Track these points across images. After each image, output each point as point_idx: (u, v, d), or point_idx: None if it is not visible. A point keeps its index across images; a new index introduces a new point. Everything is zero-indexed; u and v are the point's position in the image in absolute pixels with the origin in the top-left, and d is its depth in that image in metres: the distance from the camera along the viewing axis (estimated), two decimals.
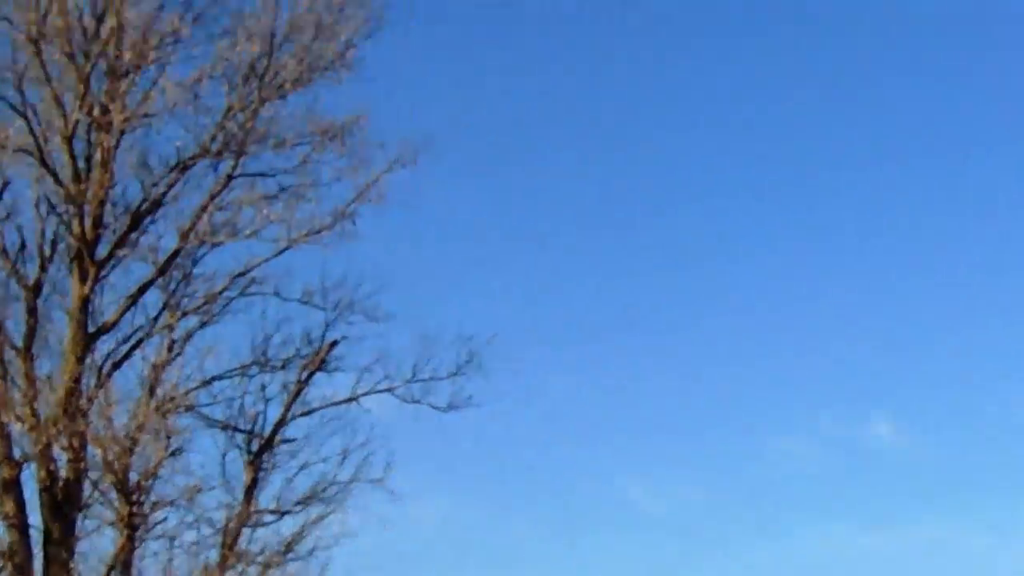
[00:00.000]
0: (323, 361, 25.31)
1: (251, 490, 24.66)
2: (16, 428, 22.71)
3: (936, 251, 58.69)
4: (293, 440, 25.29)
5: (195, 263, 24.39)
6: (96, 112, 23.23)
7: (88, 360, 23.45)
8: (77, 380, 23.05)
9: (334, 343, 25.43)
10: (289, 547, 24.60)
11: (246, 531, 24.48)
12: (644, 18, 56.58)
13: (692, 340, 58.02)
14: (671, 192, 60.10)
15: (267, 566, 24.17)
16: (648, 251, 59.49)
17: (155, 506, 23.31)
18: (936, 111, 58.51)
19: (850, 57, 58.13)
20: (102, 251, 23.58)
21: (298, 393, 25.20)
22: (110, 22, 23.23)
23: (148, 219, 23.85)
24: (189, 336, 24.25)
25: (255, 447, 24.90)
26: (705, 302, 59.38)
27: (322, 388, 25.52)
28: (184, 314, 24.15)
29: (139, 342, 23.96)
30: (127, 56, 23.28)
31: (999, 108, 57.46)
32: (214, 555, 23.99)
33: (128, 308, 23.91)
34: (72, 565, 22.75)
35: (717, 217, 59.55)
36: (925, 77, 58.91)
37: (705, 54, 58.45)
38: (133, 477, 22.85)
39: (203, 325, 24.42)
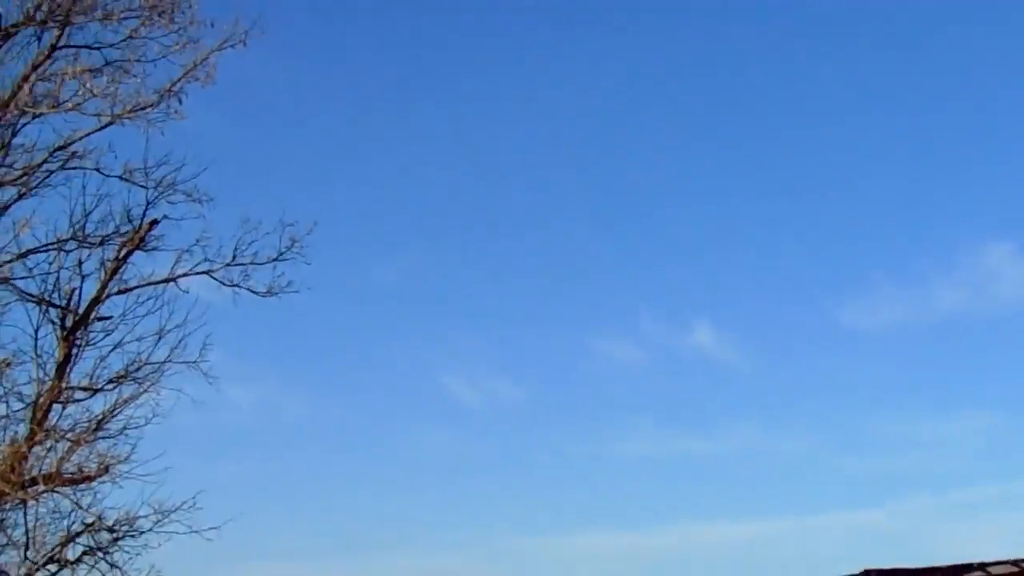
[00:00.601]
0: (142, 240, 25.09)
1: (63, 366, 24.40)
2: None
3: (758, 164, 60.36)
4: (108, 318, 25.05)
5: (15, 134, 23.73)
6: None
7: None
8: None
9: (154, 222, 25.19)
10: (100, 425, 24.45)
11: (56, 407, 24.23)
12: None
13: (519, 237, 58.99)
14: (503, 88, 60.50)
15: (76, 443, 23.98)
16: (477, 144, 60.03)
17: None
18: None
19: None
20: None
21: (115, 271, 24.95)
22: None
23: None
24: (6, 208, 23.68)
25: (69, 323, 24.58)
26: (532, 201, 60.34)
27: (140, 267, 25.35)
28: (1, 185, 23.64)
29: None
30: None
31: None
32: (23, 430, 23.76)
33: None
34: None
35: (549, 110, 60.25)
36: None
37: None
38: None
39: (20, 197, 23.83)
